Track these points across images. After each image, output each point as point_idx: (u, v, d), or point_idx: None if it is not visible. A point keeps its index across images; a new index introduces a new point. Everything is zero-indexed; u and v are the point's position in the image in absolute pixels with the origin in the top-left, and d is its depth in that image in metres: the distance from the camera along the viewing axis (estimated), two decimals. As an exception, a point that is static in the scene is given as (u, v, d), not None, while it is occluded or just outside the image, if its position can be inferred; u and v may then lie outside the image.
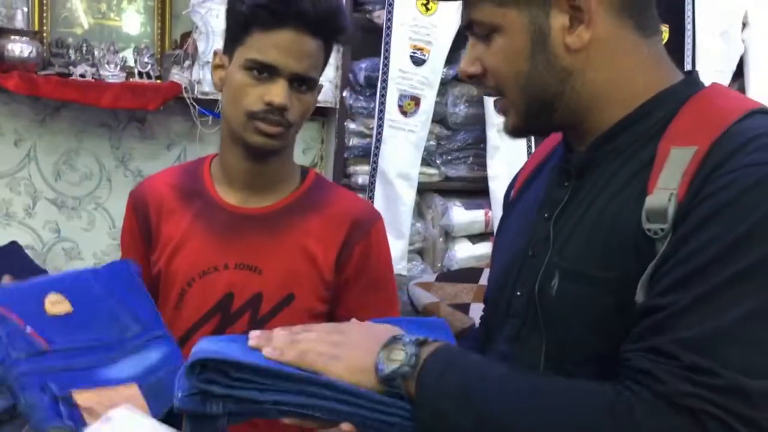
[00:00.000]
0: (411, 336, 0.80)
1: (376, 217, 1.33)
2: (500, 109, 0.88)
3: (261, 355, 0.81)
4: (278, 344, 0.83)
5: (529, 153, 2.53)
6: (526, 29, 0.80)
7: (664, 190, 0.72)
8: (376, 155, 2.37)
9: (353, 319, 0.91)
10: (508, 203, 1.04)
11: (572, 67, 0.81)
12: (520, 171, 1.05)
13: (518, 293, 0.87)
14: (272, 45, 1.15)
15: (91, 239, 2.41)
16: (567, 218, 0.84)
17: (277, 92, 1.16)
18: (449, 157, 2.54)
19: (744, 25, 2.67)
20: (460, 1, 0.86)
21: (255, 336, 0.85)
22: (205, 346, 0.82)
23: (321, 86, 1.27)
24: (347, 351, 0.81)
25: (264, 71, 1.16)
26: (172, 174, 1.35)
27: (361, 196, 2.40)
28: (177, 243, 1.27)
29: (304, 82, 1.19)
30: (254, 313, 1.25)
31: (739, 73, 2.66)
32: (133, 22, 2.36)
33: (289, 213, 1.28)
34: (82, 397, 0.88)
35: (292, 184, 1.31)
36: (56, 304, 0.99)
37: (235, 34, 1.19)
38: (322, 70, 1.24)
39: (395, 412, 0.77)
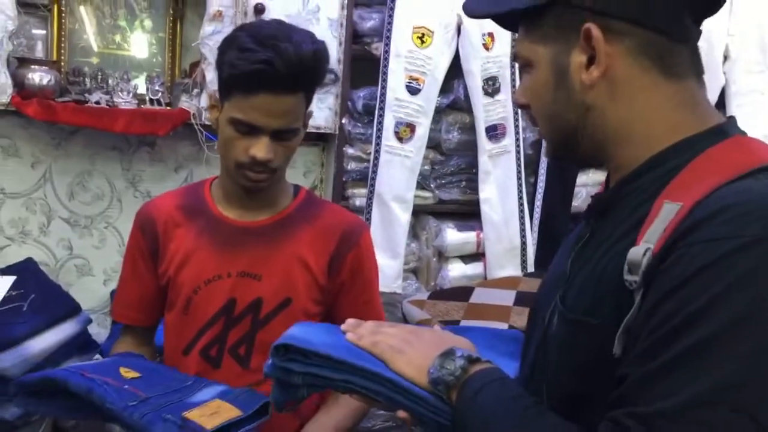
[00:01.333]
0: (467, 351, 0.88)
1: (363, 227, 1.49)
2: (541, 136, 0.96)
3: (344, 338, 0.96)
4: (361, 331, 0.97)
5: (519, 179, 2.64)
6: (550, 64, 0.86)
7: (645, 244, 0.74)
8: (374, 179, 2.48)
9: (436, 327, 1.03)
10: (570, 229, 1.08)
11: (591, 103, 0.84)
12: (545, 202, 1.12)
13: (539, 324, 0.93)
14: (252, 108, 1.25)
15: (102, 256, 2.53)
16: (581, 257, 0.88)
17: (260, 148, 1.28)
18: (443, 181, 2.65)
19: (725, 58, 2.78)
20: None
21: (348, 323, 1.00)
22: (293, 332, 0.97)
23: (311, 113, 1.38)
24: (413, 349, 0.92)
25: (247, 129, 1.27)
26: (175, 195, 1.48)
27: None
28: (184, 255, 1.40)
29: (286, 134, 1.31)
30: (255, 315, 1.38)
31: (720, 106, 2.73)
32: (145, 52, 2.50)
33: (283, 225, 1.42)
34: (192, 415, 1.15)
35: (285, 201, 1.45)
36: (128, 372, 1.27)
37: (222, 90, 1.31)
38: (307, 109, 1.35)
39: (440, 413, 0.87)
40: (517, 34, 0.93)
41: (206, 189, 1.46)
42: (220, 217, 1.41)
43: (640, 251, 0.74)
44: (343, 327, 0.99)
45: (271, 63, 1.22)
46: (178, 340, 1.42)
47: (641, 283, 0.73)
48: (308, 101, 1.34)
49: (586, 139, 0.87)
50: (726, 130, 0.83)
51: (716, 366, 0.66)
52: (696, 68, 0.85)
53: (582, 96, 0.85)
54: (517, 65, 2.60)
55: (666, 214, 0.74)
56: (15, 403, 1.20)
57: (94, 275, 2.54)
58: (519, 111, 2.63)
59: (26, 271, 2.19)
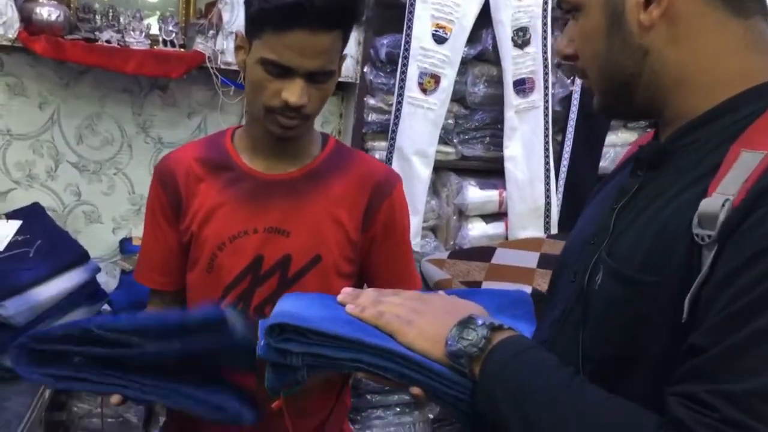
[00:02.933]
0: (487, 318, 0.80)
1: (396, 179, 1.39)
2: (588, 89, 0.86)
3: (343, 311, 0.86)
4: (362, 301, 0.87)
5: (545, 136, 2.54)
6: (602, 7, 0.79)
7: (722, 195, 0.67)
8: (394, 131, 2.38)
9: (440, 292, 0.92)
10: (600, 184, 1.01)
11: (649, 46, 0.77)
12: (574, 160, 1.03)
13: (571, 279, 0.86)
14: (285, 46, 1.15)
15: (111, 204, 2.45)
16: (630, 210, 0.81)
17: (294, 91, 1.17)
18: (466, 137, 2.55)
19: None
20: None
21: (345, 292, 0.90)
22: (285, 307, 0.87)
23: (345, 56, 1.28)
24: (423, 319, 0.83)
25: (279, 70, 1.17)
26: (195, 148, 1.38)
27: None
28: (208, 210, 1.31)
29: (321, 76, 1.21)
30: (283, 273, 1.30)
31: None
32: (158, -11, 2.37)
33: (313, 178, 1.32)
34: None
35: (314, 151, 1.35)
36: None
37: (251, 27, 1.20)
38: (342, 51, 1.25)
39: (458, 388, 0.79)
40: None
41: (228, 140, 1.36)
42: (246, 169, 1.32)
43: (718, 202, 0.67)
44: (339, 298, 0.89)
45: None
46: (202, 300, 1.34)
47: (717, 239, 0.66)
48: (345, 41, 1.23)
49: (642, 88, 0.80)
50: None
51: None
52: (762, 4, 0.78)
53: (639, 39, 0.77)
54: (549, 17, 2.47)
55: (745, 162, 0.68)
56: (16, 366, 1.02)
57: (102, 223, 2.46)
58: (549, 65, 2.50)
59: (32, 216, 2.12)
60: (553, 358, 0.77)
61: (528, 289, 2.06)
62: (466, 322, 0.80)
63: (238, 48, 1.27)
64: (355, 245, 1.34)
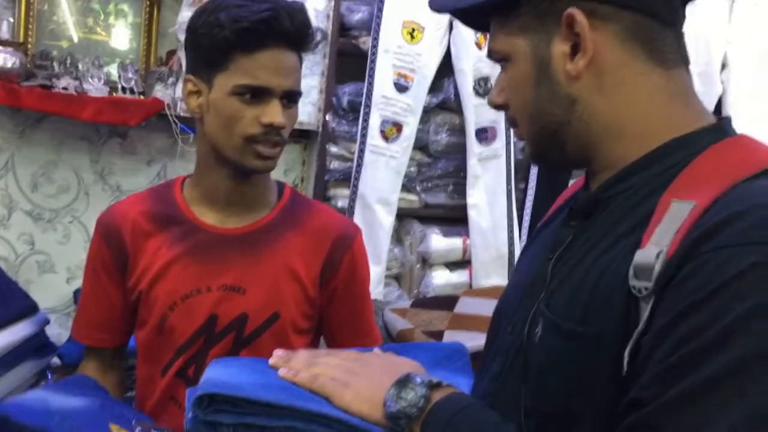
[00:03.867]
0: (425, 377, 0.78)
1: (355, 231, 1.36)
2: (518, 137, 0.87)
3: (275, 376, 0.82)
4: (295, 364, 0.83)
5: (508, 184, 2.55)
6: (530, 57, 0.79)
7: (655, 246, 0.67)
8: (357, 179, 2.37)
9: (376, 349, 0.89)
10: (532, 236, 1.01)
11: (577, 95, 0.78)
12: (555, 201, 1.01)
13: (509, 331, 0.85)
14: (260, 67, 1.15)
15: (66, 253, 2.38)
16: (564, 262, 0.80)
17: (275, 113, 1.16)
18: (429, 184, 2.55)
19: (723, 65, 2.72)
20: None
21: (276, 355, 0.85)
22: (215, 375, 0.82)
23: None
24: (359, 380, 0.80)
25: (256, 94, 1.16)
26: (141, 200, 1.31)
27: (340, 219, 2.40)
28: (159, 268, 1.25)
29: (292, 97, 1.20)
30: (239, 333, 1.24)
31: (717, 114, 2.71)
32: (119, 37, 2.36)
33: (269, 231, 1.28)
34: None
35: (271, 201, 1.31)
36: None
37: (212, 60, 1.17)
38: None
39: None
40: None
41: (177, 191, 1.30)
42: (198, 223, 1.26)
43: (652, 254, 0.66)
44: (271, 361, 0.85)
45: (276, 12, 1.14)
46: (153, 362, 1.27)
47: (653, 290, 0.65)
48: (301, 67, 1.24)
49: (572, 137, 0.79)
50: (725, 127, 0.78)
51: (755, 391, 0.58)
52: (684, 55, 0.80)
53: (567, 89, 0.77)
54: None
55: (676, 213, 0.68)
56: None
57: (56, 272, 2.39)
58: (510, 114, 2.53)
59: (-19, 266, 2.04)
60: (493, 415, 0.75)
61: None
62: (404, 382, 0.77)
63: (190, 94, 1.22)
64: (313, 301, 1.29)
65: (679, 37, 0.79)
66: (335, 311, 1.32)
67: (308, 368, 0.82)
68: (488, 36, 0.85)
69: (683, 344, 0.62)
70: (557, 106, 0.79)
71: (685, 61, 0.80)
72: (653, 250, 0.67)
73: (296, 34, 1.17)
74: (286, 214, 1.30)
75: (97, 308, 1.31)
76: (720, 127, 0.78)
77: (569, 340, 0.72)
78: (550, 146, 0.82)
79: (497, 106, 0.86)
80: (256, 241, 1.26)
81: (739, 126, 0.79)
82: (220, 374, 0.82)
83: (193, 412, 0.78)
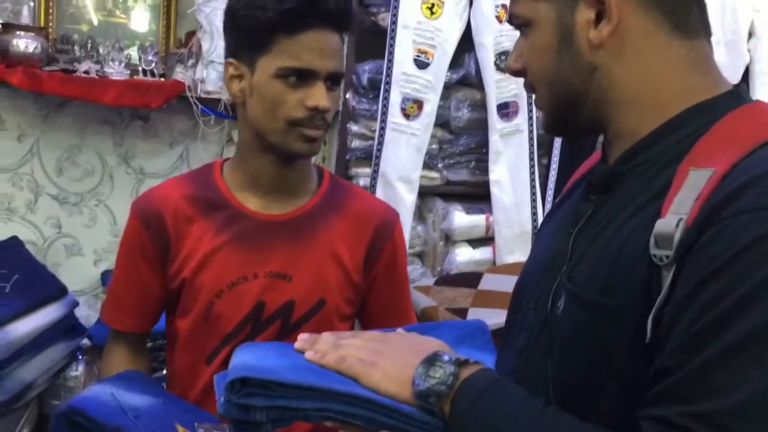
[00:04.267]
0: (452, 354, 0.78)
1: (395, 217, 1.36)
2: (535, 104, 0.87)
3: (302, 359, 0.82)
4: (321, 347, 0.83)
5: (531, 160, 2.52)
6: (553, 24, 0.79)
7: (675, 215, 0.68)
8: (378, 158, 2.36)
9: (399, 329, 0.89)
10: (550, 211, 1.01)
11: (598, 64, 0.77)
12: (571, 177, 1.01)
13: (532, 306, 0.85)
14: (304, 48, 1.13)
15: (92, 236, 2.42)
16: (585, 235, 0.80)
17: (320, 95, 1.14)
18: (451, 161, 2.53)
19: (750, 35, 2.66)
20: None
21: (302, 339, 0.86)
22: (243, 360, 0.82)
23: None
24: (386, 360, 0.80)
25: (301, 76, 1.14)
26: (182, 184, 1.29)
27: (362, 198, 2.40)
28: (203, 255, 1.23)
29: (336, 79, 1.18)
30: (286, 320, 1.24)
31: (745, 83, 2.65)
32: (138, 20, 2.37)
33: (313, 217, 1.27)
34: None
35: (311, 185, 1.30)
36: None
37: (254, 43, 1.15)
38: None
39: (429, 428, 0.76)
40: None
41: (217, 175, 1.28)
42: (242, 209, 1.24)
43: (672, 222, 0.67)
44: (297, 345, 0.85)
45: None
46: (197, 350, 1.26)
47: (674, 259, 0.66)
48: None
49: (588, 105, 0.80)
50: (741, 94, 0.78)
51: None
52: (706, 26, 0.80)
53: (589, 57, 0.78)
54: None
55: (695, 181, 0.68)
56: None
57: (83, 255, 2.42)
58: (532, 88, 2.50)
59: (10, 250, 2.09)
60: (521, 390, 0.75)
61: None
62: (432, 360, 0.77)
63: (231, 78, 1.20)
64: (357, 286, 1.29)
65: (703, 7, 0.79)
66: (376, 296, 1.32)
67: (334, 350, 0.82)
68: (512, 1, 0.84)
69: (705, 312, 0.63)
70: (577, 74, 0.79)
71: (707, 32, 0.79)
72: (673, 218, 0.67)
73: (340, 15, 1.16)
74: (328, 200, 1.29)
75: (131, 294, 1.29)
76: (736, 93, 0.78)
77: (591, 311, 0.73)
78: (565, 114, 0.82)
79: (515, 72, 0.85)
80: (301, 227, 1.25)
81: (766, 98, 0.78)
82: (249, 359, 0.82)
83: (226, 397, 0.78)
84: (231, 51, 1.20)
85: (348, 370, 0.80)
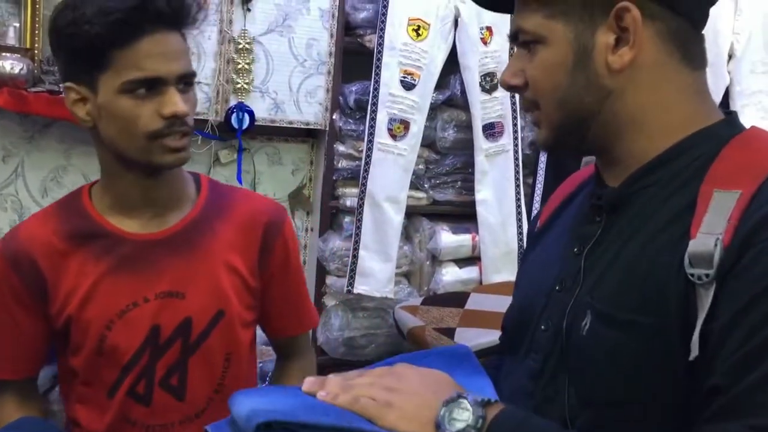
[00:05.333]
0: (476, 395, 0.77)
1: (283, 212, 1.33)
2: (533, 121, 0.87)
3: (314, 400, 0.80)
4: (331, 388, 0.81)
5: (516, 179, 2.54)
6: (570, 44, 0.80)
7: (709, 235, 0.70)
8: (365, 178, 2.37)
9: (404, 364, 0.86)
10: (533, 235, 1.01)
11: (612, 87, 0.80)
12: (545, 204, 1.02)
13: (543, 328, 0.85)
14: (144, 57, 1.06)
15: (77, 257, 2.39)
16: (599, 255, 0.81)
17: (175, 101, 1.08)
18: (437, 181, 2.55)
19: (730, 57, 2.71)
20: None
21: (309, 382, 0.83)
22: (256, 405, 0.79)
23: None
24: (402, 399, 0.78)
25: (149, 86, 1.07)
26: (49, 219, 1.21)
27: (348, 218, 2.41)
28: (87, 288, 1.16)
29: (187, 80, 1.12)
30: (185, 339, 1.20)
31: (723, 106, 2.68)
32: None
33: (197, 227, 1.21)
34: None
35: (190, 195, 1.24)
36: None
37: (89, 62, 1.08)
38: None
39: None
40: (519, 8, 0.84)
41: (86, 202, 1.20)
42: (119, 233, 1.17)
43: (708, 242, 0.70)
44: (305, 387, 0.83)
45: None
46: (95, 384, 1.20)
47: (714, 277, 0.69)
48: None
49: (597, 126, 0.82)
50: (737, 121, 0.83)
51: None
52: (704, 58, 0.84)
53: (605, 80, 0.80)
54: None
55: (722, 202, 0.72)
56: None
57: (68, 276, 2.40)
58: (518, 109, 2.52)
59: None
60: (551, 424, 0.76)
61: (502, 335, 2.03)
62: (455, 402, 0.75)
63: (75, 102, 1.12)
64: (254, 291, 1.26)
65: (703, 41, 0.83)
66: (273, 296, 1.30)
67: (345, 391, 0.80)
68: (515, 16, 0.84)
69: (756, 331, 0.66)
70: (590, 94, 0.80)
71: (704, 63, 0.84)
72: (707, 238, 0.70)
73: (174, 12, 1.09)
74: (210, 206, 1.23)
75: (9, 341, 1.21)
76: (732, 120, 0.83)
77: (625, 329, 0.74)
78: (571, 133, 0.83)
79: (511, 87, 0.86)
80: (186, 240, 1.20)
81: (746, 119, 0.83)
82: (263, 403, 0.80)
83: None
84: (68, 74, 1.13)
85: (362, 411, 0.77)
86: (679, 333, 0.70)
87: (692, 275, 0.70)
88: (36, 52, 2.21)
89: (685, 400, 0.71)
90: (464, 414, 0.74)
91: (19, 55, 2.09)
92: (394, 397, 0.78)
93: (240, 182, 2.43)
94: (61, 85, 2.12)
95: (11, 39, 2.15)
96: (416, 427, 0.75)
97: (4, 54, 2.07)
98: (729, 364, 0.67)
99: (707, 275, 0.69)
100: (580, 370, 0.79)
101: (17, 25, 2.19)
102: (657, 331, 0.72)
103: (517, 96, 2.50)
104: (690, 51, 0.80)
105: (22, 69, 2.07)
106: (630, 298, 0.75)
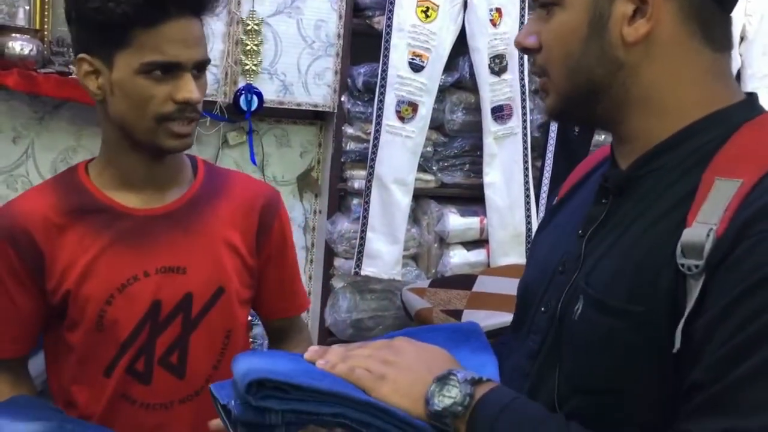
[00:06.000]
0: (467, 373, 0.77)
1: (277, 195, 1.35)
2: (541, 87, 0.85)
3: (313, 367, 0.82)
4: (331, 357, 0.82)
5: (525, 162, 2.54)
6: (587, 10, 0.77)
7: (703, 225, 0.67)
8: (373, 160, 2.37)
9: (404, 338, 0.87)
10: (550, 210, 1.00)
11: (625, 60, 0.77)
12: (568, 177, 1.00)
13: (543, 309, 0.84)
14: (166, 41, 1.07)
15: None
16: (600, 239, 0.80)
17: (190, 88, 1.09)
18: (446, 164, 2.54)
19: (741, 39, 2.69)
20: None
21: (312, 350, 0.85)
22: (254, 365, 0.81)
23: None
24: (396, 373, 0.79)
25: (166, 69, 1.09)
26: (45, 194, 1.19)
27: (357, 200, 2.41)
28: (86, 263, 1.15)
29: (201, 67, 1.14)
30: (186, 315, 1.20)
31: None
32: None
33: (196, 204, 1.23)
34: None
35: (188, 175, 1.26)
36: None
37: (110, 38, 1.08)
38: None
39: None
40: None
41: (84, 178, 1.20)
42: (120, 208, 1.17)
43: (701, 232, 0.67)
44: (307, 355, 0.85)
45: None
46: (91, 362, 1.18)
47: (703, 269, 0.66)
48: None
49: (607, 100, 0.79)
50: (756, 103, 0.79)
51: None
52: (730, 41, 0.80)
53: (618, 51, 0.77)
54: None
55: (722, 191, 0.69)
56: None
57: (78, 257, 2.42)
58: (526, 91, 2.51)
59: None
60: (540, 407, 0.75)
61: (510, 317, 2.04)
62: (446, 378, 0.76)
63: (87, 75, 1.12)
64: (252, 270, 1.28)
65: (730, 22, 0.80)
66: (269, 277, 1.32)
67: (344, 361, 0.81)
68: None
69: (742, 327, 0.64)
70: (602, 65, 0.78)
71: (730, 46, 0.80)
72: (702, 228, 0.67)
73: (193, 1, 1.10)
74: (208, 185, 1.25)
75: (5, 319, 1.19)
76: (751, 103, 0.78)
77: (616, 317, 0.73)
78: (580, 104, 0.81)
79: (524, 49, 0.84)
80: (186, 216, 1.21)
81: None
82: (261, 363, 0.81)
83: (243, 398, 0.77)
84: (82, 45, 1.12)
85: (357, 381, 0.79)
86: (667, 324, 0.68)
87: (683, 265, 0.67)
88: (46, 33, 2.22)
89: (673, 393, 0.69)
90: (453, 391, 0.75)
91: (29, 36, 2.10)
92: (389, 370, 0.79)
93: (254, 163, 2.43)
94: (71, 67, 2.13)
95: (21, 20, 2.16)
96: (407, 402, 0.76)
97: (14, 35, 2.08)
98: (712, 360, 0.65)
99: (697, 266, 0.66)
100: (570, 355, 0.78)
101: (27, 6, 2.19)
102: (646, 321, 0.70)
103: (526, 78, 2.49)
104: (713, 32, 0.77)
105: (32, 50, 2.08)
106: (622, 286, 0.73)
